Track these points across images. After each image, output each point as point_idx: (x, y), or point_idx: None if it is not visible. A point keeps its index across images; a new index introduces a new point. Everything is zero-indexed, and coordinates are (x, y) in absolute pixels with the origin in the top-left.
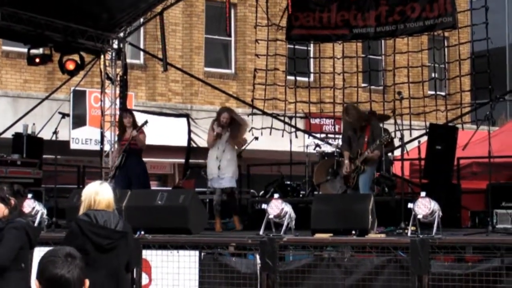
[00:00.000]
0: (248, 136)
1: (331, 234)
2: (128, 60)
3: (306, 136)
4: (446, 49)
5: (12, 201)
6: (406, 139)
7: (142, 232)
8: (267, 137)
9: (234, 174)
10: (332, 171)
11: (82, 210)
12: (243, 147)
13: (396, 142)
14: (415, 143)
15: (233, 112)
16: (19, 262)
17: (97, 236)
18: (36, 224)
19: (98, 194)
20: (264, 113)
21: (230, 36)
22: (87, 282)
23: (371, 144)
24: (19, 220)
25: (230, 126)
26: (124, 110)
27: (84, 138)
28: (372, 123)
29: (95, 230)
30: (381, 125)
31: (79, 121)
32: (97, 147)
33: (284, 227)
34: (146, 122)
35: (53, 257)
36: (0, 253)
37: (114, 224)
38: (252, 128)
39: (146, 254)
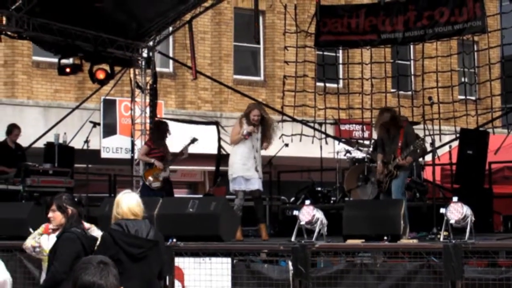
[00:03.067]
0: (278, 142)
1: (363, 240)
2: (158, 69)
3: (336, 142)
4: (475, 53)
5: (70, 210)
6: (436, 144)
7: (174, 240)
8: (297, 144)
9: (262, 177)
10: (363, 177)
11: (112, 221)
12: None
13: (427, 147)
14: (446, 148)
15: (263, 109)
16: None
17: (130, 246)
18: None
19: (121, 203)
20: (293, 120)
21: (259, 43)
22: None
23: (404, 149)
24: (73, 230)
25: (260, 125)
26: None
27: (114, 147)
28: (406, 128)
29: (127, 239)
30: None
31: (109, 130)
32: (128, 156)
33: (316, 233)
34: (194, 140)
35: (86, 264)
36: (55, 267)
37: (145, 233)
38: (282, 135)
39: (179, 261)
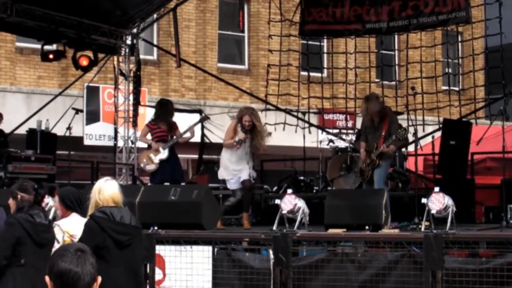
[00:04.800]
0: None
1: (345, 229)
2: (142, 56)
3: (320, 131)
4: (459, 44)
5: (19, 196)
6: (419, 134)
7: (155, 228)
8: (280, 133)
9: (253, 167)
10: (346, 166)
11: (90, 209)
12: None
13: (410, 138)
14: (429, 138)
15: (255, 116)
16: (18, 258)
17: (117, 233)
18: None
19: (103, 191)
20: (277, 109)
21: (243, 31)
22: (99, 278)
23: (387, 138)
24: (18, 215)
25: (251, 132)
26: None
27: (97, 134)
28: (390, 117)
29: (115, 227)
30: None
31: (92, 117)
32: (111, 143)
33: (297, 223)
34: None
35: (63, 251)
36: None
37: (128, 220)
38: (265, 123)
39: (160, 249)
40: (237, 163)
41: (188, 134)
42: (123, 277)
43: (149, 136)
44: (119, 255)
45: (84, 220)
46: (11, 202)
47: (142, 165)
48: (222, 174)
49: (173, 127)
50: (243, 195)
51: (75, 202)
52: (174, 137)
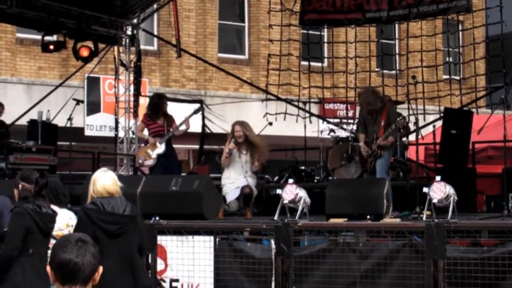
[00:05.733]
0: (262, 121)
1: (346, 219)
2: (142, 47)
3: (321, 121)
4: (460, 33)
5: (20, 185)
6: (420, 123)
7: (157, 218)
8: (281, 123)
9: (254, 178)
10: (347, 156)
11: (88, 200)
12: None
13: (411, 127)
14: (430, 127)
15: (246, 128)
16: (26, 248)
17: (106, 223)
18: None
19: (96, 182)
20: (278, 99)
21: (243, 21)
22: (100, 269)
23: (387, 128)
24: (24, 205)
25: (249, 148)
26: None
27: (98, 124)
28: (389, 107)
29: (102, 217)
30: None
31: (93, 107)
32: (112, 134)
33: (298, 212)
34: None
35: (64, 242)
36: (6, 244)
37: (122, 209)
38: (266, 113)
39: (161, 239)
40: (233, 178)
41: (183, 127)
42: (116, 268)
43: (146, 132)
44: (112, 245)
45: (62, 211)
46: (15, 192)
47: (140, 161)
48: (223, 191)
49: (169, 120)
50: (243, 198)
51: (50, 194)
52: (171, 130)
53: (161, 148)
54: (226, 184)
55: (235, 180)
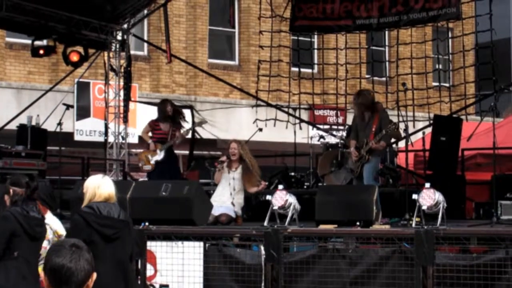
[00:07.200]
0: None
1: (336, 225)
2: (132, 52)
3: (310, 127)
4: (450, 40)
5: (11, 190)
6: (410, 130)
7: (147, 223)
8: (271, 129)
9: (241, 194)
10: (336, 162)
11: (84, 204)
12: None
13: (401, 134)
14: (419, 134)
15: (242, 147)
16: (11, 251)
17: (103, 227)
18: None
19: (100, 187)
20: (268, 105)
21: (234, 27)
22: (94, 275)
23: (377, 133)
24: (12, 209)
25: (239, 167)
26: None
27: (88, 129)
28: (381, 112)
29: (100, 221)
30: None
31: (83, 112)
32: (101, 139)
33: (288, 218)
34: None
35: (58, 246)
36: None
37: (116, 214)
38: (256, 119)
39: (151, 245)
40: (219, 194)
41: (181, 138)
42: (111, 274)
43: (150, 135)
44: (107, 250)
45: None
46: (6, 197)
47: (140, 164)
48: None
49: (176, 127)
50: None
51: (49, 198)
52: (174, 138)
53: (160, 155)
54: (212, 198)
55: (219, 198)
